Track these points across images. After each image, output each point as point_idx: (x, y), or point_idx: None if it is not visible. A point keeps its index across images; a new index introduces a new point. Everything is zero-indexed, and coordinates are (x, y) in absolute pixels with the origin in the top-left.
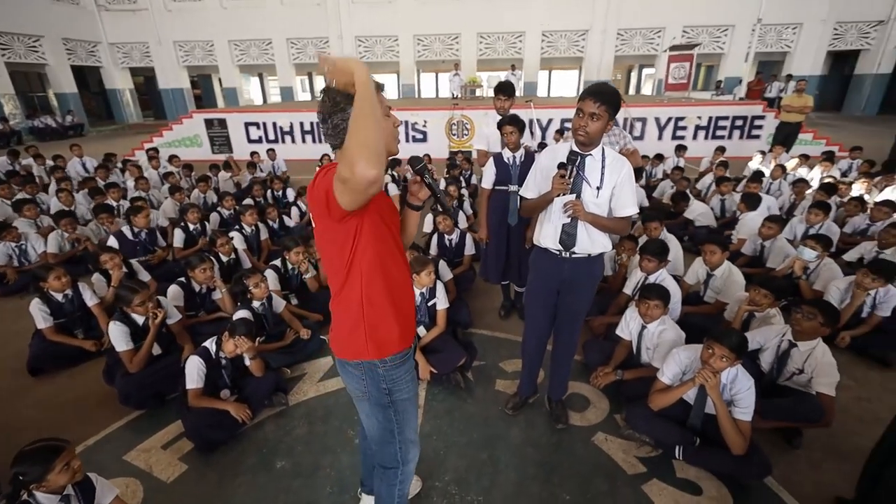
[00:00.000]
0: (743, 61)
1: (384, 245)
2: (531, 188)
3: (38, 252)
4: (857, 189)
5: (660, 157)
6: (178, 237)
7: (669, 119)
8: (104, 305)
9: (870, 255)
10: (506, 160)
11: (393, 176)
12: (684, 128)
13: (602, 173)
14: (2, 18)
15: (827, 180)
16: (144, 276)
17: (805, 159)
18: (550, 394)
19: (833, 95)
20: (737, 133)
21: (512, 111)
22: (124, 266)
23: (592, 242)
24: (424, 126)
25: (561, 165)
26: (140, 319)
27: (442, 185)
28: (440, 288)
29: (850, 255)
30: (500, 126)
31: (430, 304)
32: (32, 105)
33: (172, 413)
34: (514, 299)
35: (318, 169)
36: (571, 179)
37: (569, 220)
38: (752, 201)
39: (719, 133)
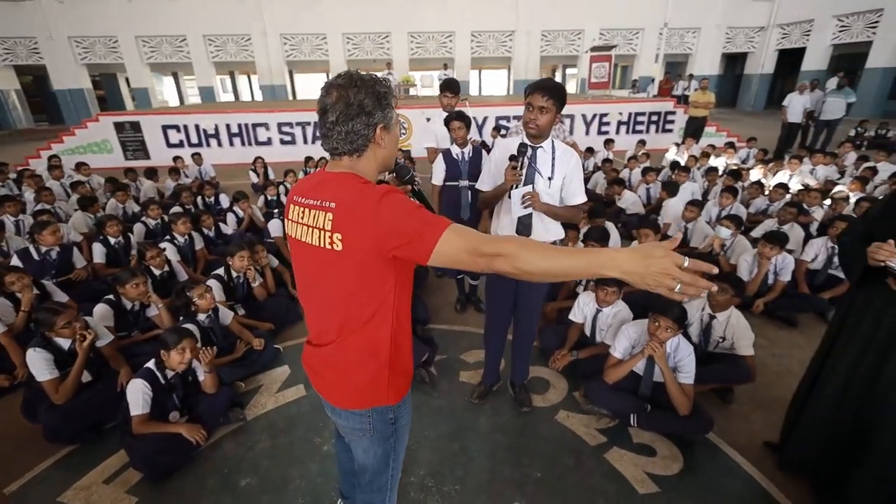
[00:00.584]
0: (653, 62)
1: (410, 277)
2: (486, 181)
3: None
4: (756, 174)
5: (590, 151)
6: (98, 252)
7: (594, 115)
8: (13, 333)
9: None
10: (455, 156)
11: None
12: (608, 123)
13: (553, 164)
14: None
15: (732, 167)
16: (61, 297)
17: (712, 149)
18: (513, 379)
19: (728, 93)
20: (653, 127)
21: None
22: (35, 287)
23: (547, 231)
24: None
25: (512, 157)
26: (65, 344)
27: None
28: None
29: (756, 232)
30: (447, 122)
31: None
32: None
33: (112, 443)
34: (468, 293)
35: (367, 191)
36: (523, 171)
37: (526, 211)
38: (671, 188)
39: (638, 128)
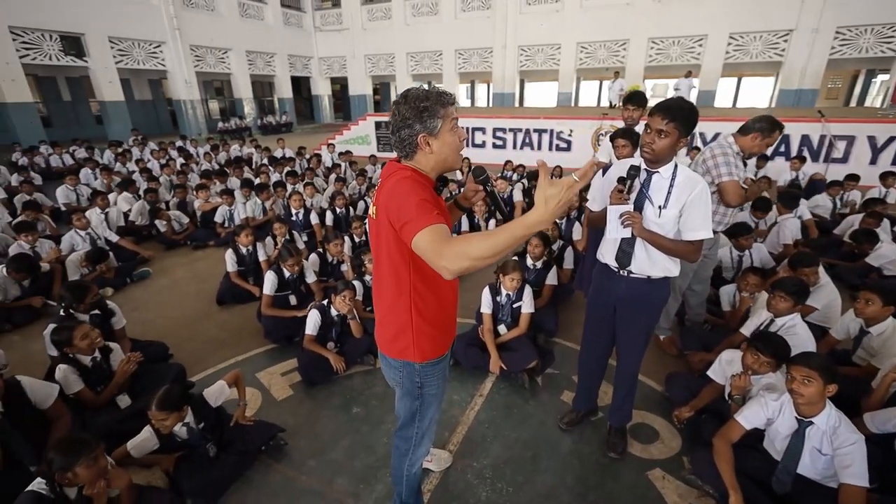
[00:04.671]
0: None
1: None
2: (597, 200)
3: (240, 217)
4: None
5: (837, 184)
6: (328, 218)
7: (892, 139)
8: (270, 264)
9: None
10: None
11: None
12: None
13: (669, 192)
14: (252, 40)
15: None
16: (300, 244)
17: None
18: (609, 418)
19: None
20: None
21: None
22: (288, 235)
23: (652, 264)
24: (570, 136)
25: (620, 180)
26: (286, 274)
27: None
28: (527, 292)
29: None
30: (612, 139)
31: (514, 305)
32: (263, 107)
33: (294, 352)
34: None
35: (390, 171)
36: (631, 195)
37: (627, 234)
38: None
39: None
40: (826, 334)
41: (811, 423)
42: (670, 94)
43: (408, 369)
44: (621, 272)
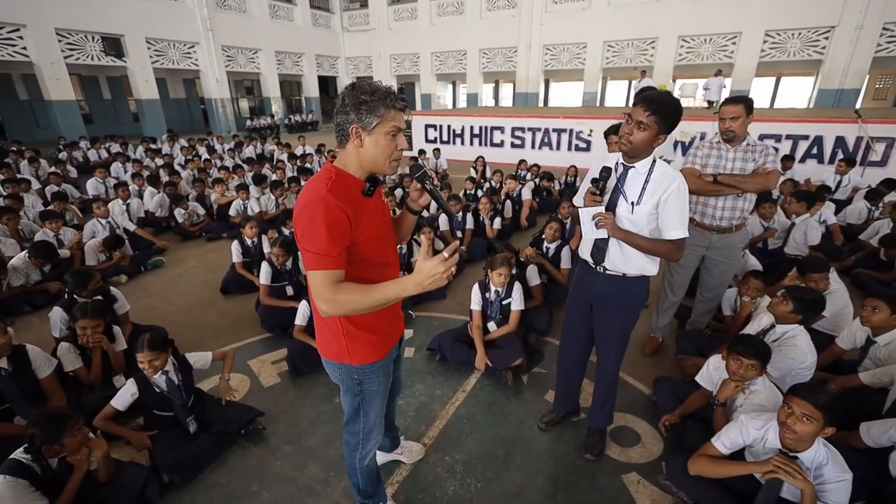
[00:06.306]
0: None
1: (361, 266)
2: (579, 197)
3: (253, 211)
4: None
5: (877, 195)
6: None
7: None
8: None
9: None
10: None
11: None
12: None
13: (643, 188)
14: (281, 41)
15: None
16: None
17: None
18: (589, 420)
19: None
20: None
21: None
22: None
23: (626, 261)
24: (590, 135)
25: (594, 181)
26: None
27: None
28: (517, 289)
29: None
30: (606, 135)
31: (504, 302)
32: (291, 106)
33: (286, 342)
34: None
35: (306, 191)
36: (604, 196)
37: (603, 234)
38: None
39: None
40: (833, 343)
41: (795, 457)
42: (700, 93)
43: (346, 368)
44: (597, 269)
